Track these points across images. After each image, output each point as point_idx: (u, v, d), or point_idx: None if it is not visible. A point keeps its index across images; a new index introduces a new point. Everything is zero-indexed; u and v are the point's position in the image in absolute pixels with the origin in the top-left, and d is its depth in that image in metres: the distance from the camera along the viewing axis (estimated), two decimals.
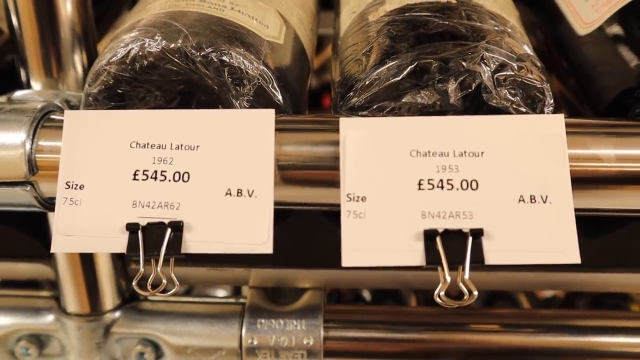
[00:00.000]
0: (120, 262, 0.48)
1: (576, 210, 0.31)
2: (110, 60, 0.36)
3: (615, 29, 0.41)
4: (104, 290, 0.48)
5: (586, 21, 0.44)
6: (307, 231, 0.47)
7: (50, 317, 0.48)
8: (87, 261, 0.46)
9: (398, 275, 0.46)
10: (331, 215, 0.38)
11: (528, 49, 0.36)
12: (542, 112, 0.35)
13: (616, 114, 0.38)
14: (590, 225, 0.45)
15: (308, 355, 0.46)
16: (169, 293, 0.31)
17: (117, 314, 0.48)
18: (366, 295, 0.72)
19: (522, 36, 0.38)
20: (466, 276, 0.29)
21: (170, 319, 0.48)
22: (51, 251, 0.32)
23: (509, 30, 0.37)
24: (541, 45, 0.53)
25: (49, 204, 0.36)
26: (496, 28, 0.36)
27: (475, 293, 0.29)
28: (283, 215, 0.46)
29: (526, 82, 0.34)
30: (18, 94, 0.41)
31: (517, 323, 0.47)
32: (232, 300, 0.49)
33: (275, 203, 0.33)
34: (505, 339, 0.47)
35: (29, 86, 0.42)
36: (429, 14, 0.36)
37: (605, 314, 0.49)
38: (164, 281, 0.31)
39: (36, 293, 0.50)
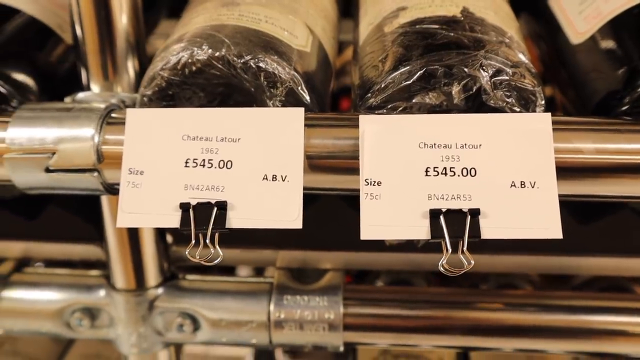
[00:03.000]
0: (163, 245, 0.54)
1: (561, 195, 0.37)
2: (164, 67, 0.42)
3: (605, 39, 0.46)
4: (148, 269, 0.53)
5: (579, 31, 0.49)
6: (329, 217, 0.53)
7: (101, 293, 0.54)
8: (134, 243, 0.52)
9: (410, 257, 0.52)
10: (351, 203, 0.44)
11: (523, 57, 0.41)
12: (534, 111, 0.40)
13: (602, 115, 0.43)
14: (582, 214, 0.50)
15: (329, 328, 0.52)
16: (214, 262, 0.37)
17: (160, 290, 0.54)
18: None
19: (519, 46, 0.43)
20: (464, 248, 0.35)
21: (207, 295, 0.54)
22: (117, 226, 0.38)
23: (507, 40, 0.42)
24: (544, 55, 0.59)
25: (112, 188, 0.42)
26: (495, 39, 0.41)
27: (472, 262, 0.35)
28: (308, 203, 0.52)
29: (519, 85, 0.39)
30: (81, 95, 0.47)
31: (516, 302, 0.52)
32: (262, 279, 0.55)
33: (304, 188, 0.39)
34: (506, 317, 0.52)
35: (88, 88, 0.48)
36: (437, 26, 0.42)
37: (599, 295, 0.54)
38: (212, 251, 0.37)
39: (88, 272, 0.57)
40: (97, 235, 0.54)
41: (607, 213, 0.49)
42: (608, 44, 0.46)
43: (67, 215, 0.56)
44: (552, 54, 0.55)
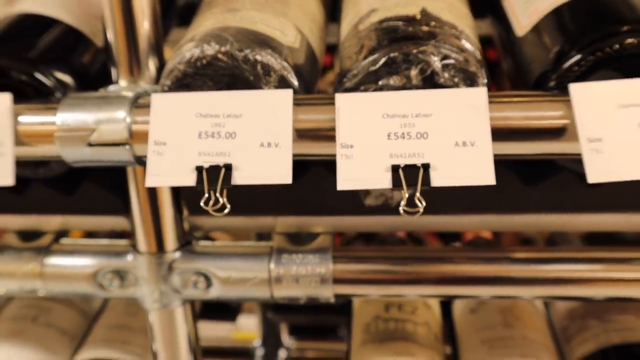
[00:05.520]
0: (179, 215, 0.64)
1: (498, 155, 0.46)
2: (180, 61, 0.52)
3: (541, 30, 0.56)
4: (168, 235, 0.62)
5: (523, 25, 0.59)
6: (320, 188, 0.62)
7: (129, 257, 0.63)
8: (155, 213, 0.61)
9: (386, 219, 0.61)
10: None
11: (469, 45, 0.51)
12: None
13: None
14: (529, 176, 0.60)
15: (321, 281, 0.61)
16: (224, 212, 0.47)
17: (177, 254, 0.62)
18: None
19: (468, 37, 0.53)
20: (418, 194, 0.44)
21: (217, 257, 0.63)
22: (146, 186, 0.48)
23: (457, 33, 0.52)
24: (502, 52, 0.68)
25: (140, 160, 0.52)
26: (446, 32, 0.51)
27: (424, 203, 0.44)
28: (301, 174, 0.61)
29: (464, 67, 0.49)
30: (112, 87, 0.57)
31: (479, 256, 0.61)
32: (263, 243, 0.65)
33: (293, 154, 0.48)
34: (470, 269, 0.60)
35: (117, 82, 0.59)
36: (399, 23, 0.52)
37: (555, 249, 0.62)
38: (220, 200, 0.47)
39: (117, 241, 0.66)
40: (124, 208, 0.64)
41: (550, 174, 0.58)
42: (543, 34, 0.55)
43: (100, 191, 0.65)
44: (507, 49, 0.65)
